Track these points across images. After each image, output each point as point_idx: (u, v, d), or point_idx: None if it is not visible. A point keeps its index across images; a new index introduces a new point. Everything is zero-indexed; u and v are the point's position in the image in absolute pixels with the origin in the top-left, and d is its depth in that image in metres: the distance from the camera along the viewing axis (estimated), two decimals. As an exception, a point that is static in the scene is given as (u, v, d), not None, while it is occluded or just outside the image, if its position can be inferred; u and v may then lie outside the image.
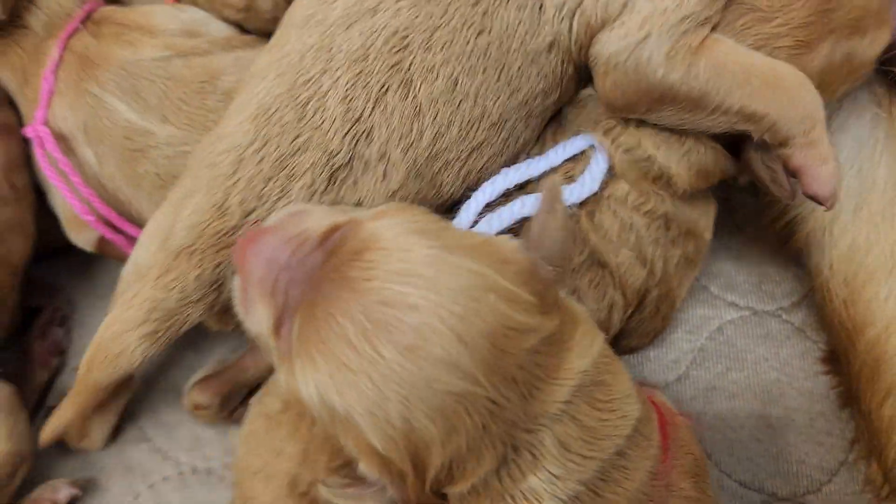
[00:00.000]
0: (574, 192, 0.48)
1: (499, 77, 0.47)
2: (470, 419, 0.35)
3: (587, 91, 0.51)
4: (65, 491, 0.60)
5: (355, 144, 0.45)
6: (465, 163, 0.48)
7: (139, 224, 0.55)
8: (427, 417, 0.34)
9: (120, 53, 0.55)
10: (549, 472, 0.37)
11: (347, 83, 0.45)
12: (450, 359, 0.34)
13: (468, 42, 0.46)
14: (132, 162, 0.54)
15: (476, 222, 0.48)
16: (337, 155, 0.45)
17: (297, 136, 0.45)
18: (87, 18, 0.56)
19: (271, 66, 0.47)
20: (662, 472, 0.41)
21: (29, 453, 0.57)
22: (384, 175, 0.46)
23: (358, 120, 0.45)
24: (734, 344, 0.62)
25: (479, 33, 0.46)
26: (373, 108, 0.45)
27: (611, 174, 0.49)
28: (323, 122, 0.45)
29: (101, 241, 0.58)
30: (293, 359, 0.36)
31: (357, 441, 0.36)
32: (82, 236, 0.58)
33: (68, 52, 0.55)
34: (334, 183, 0.45)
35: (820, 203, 0.48)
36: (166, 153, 0.54)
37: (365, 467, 0.37)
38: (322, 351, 0.34)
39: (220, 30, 0.58)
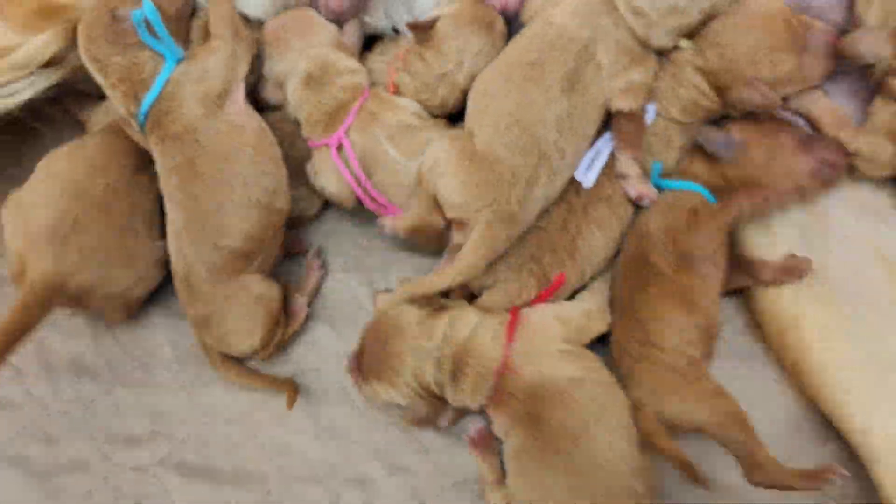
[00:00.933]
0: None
1: (594, 119, 0.90)
2: None
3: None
4: (301, 300, 0.99)
5: (560, 160, 0.87)
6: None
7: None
8: None
9: (385, 114, 0.95)
10: None
11: (556, 137, 0.87)
12: None
13: (587, 110, 0.89)
14: (380, 169, 0.94)
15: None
16: (554, 167, 0.87)
17: (537, 162, 0.85)
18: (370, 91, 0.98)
19: (511, 128, 0.86)
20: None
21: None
22: (564, 175, 0.89)
23: (562, 150, 0.87)
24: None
25: (590, 104, 0.89)
26: (565, 144, 0.87)
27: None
28: (548, 155, 0.86)
29: (356, 198, 0.96)
30: None
31: None
32: (344, 194, 0.97)
33: (362, 109, 0.96)
34: (550, 182, 0.87)
35: None
36: (404, 169, 0.93)
37: None
38: None
39: (424, 113, 0.99)
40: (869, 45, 0.89)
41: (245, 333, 0.93)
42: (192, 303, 0.93)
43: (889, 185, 0.98)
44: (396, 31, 1.05)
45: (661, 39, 0.91)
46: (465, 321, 0.87)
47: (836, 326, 0.93)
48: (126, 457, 0.95)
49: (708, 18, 0.91)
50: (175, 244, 0.92)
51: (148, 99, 0.91)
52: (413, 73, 0.98)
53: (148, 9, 0.90)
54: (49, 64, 0.98)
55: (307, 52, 0.97)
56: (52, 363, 1.00)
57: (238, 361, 0.97)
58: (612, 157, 0.93)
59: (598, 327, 0.90)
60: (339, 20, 1.01)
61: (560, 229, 0.92)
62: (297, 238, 1.06)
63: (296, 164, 0.99)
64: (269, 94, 1.01)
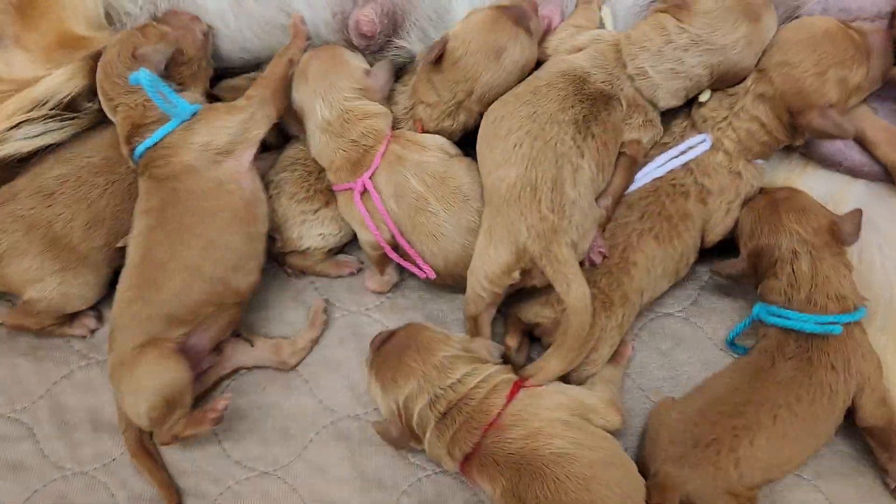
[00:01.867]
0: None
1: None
2: None
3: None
4: (220, 402, 0.85)
5: (579, 157, 0.84)
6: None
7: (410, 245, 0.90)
8: None
9: (410, 156, 0.90)
10: None
11: (573, 134, 0.84)
12: None
13: (610, 124, 0.87)
14: (415, 214, 0.89)
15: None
16: (574, 164, 0.83)
17: (556, 163, 0.82)
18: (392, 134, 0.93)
19: (521, 142, 0.83)
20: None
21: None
22: (588, 173, 0.84)
23: (580, 149, 0.84)
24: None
25: (616, 123, 0.88)
26: (584, 146, 0.84)
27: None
28: (566, 154, 0.83)
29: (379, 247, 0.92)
30: None
31: None
32: (368, 240, 0.93)
33: (387, 152, 0.91)
34: (578, 180, 0.83)
35: None
36: (435, 212, 0.88)
37: None
38: None
39: (451, 147, 0.94)
40: None
41: (132, 404, 0.83)
42: (109, 349, 0.86)
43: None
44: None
45: (666, 101, 0.90)
46: (481, 373, 0.81)
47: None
48: (152, 519, 0.87)
49: (723, 77, 0.90)
50: (122, 282, 0.86)
51: (141, 147, 0.87)
52: (431, 105, 0.94)
53: (144, 78, 0.85)
54: (70, 108, 0.93)
55: (326, 97, 0.92)
56: (67, 420, 0.92)
57: (148, 445, 0.89)
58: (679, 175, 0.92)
59: (608, 420, 0.82)
60: (369, 46, 0.97)
61: (609, 246, 0.89)
62: (343, 261, 1.01)
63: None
64: (288, 123, 0.97)
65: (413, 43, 0.98)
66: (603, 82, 0.88)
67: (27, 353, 0.96)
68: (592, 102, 0.86)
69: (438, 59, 0.91)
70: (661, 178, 0.92)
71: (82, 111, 0.94)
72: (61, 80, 0.90)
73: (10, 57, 0.87)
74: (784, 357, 0.85)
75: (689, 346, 0.96)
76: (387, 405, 0.82)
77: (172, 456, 0.90)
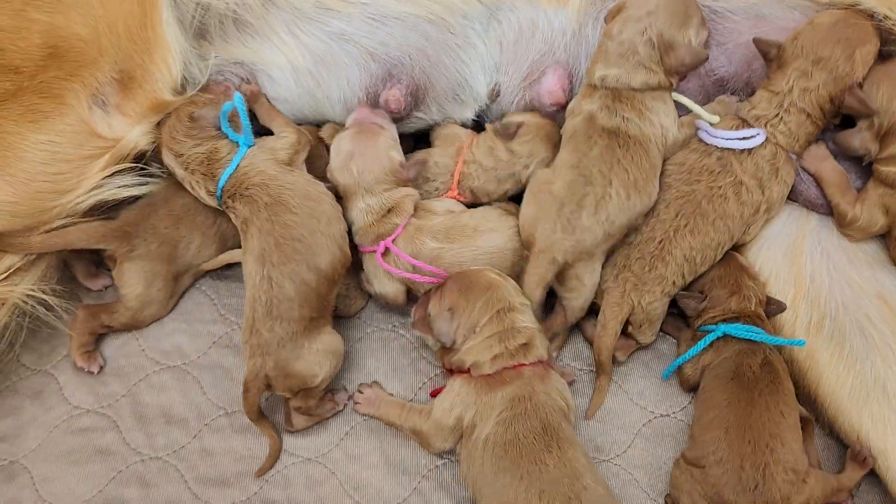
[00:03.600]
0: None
1: (646, 157, 1.07)
2: None
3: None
4: (341, 395, 1.09)
5: (607, 186, 1.04)
6: None
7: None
8: None
9: (425, 224, 1.10)
10: None
11: (600, 165, 1.05)
12: None
13: (632, 147, 1.06)
14: (431, 264, 1.07)
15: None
16: (598, 193, 1.04)
17: (583, 189, 1.04)
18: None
19: (566, 178, 1.06)
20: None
21: None
22: (615, 203, 1.04)
23: (608, 178, 1.05)
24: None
25: (636, 143, 1.07)
26: (611, 173, 1.04)
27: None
28: (594, 181, 1.03)
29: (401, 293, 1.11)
30: None
31: None
32: (391, 288, 1.10)
33: (407, 224, 1.09)
34: (598, 209, 1.03)
35: None
36: (450, 250, 1.08)
37: None
38: None
39: (457, 206, 1.15)
40: (859, 141, 1.09)
41: (315, 363, 1.01)
42: (271, 324, 0.99)
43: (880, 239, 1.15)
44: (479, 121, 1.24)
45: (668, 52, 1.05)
46: (529, 328, 1.01)
47: (842, 359, 1.05)
48: (216, 496, 1.03)
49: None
50: (257, 269, 1.01)
51: (225, 174, 1.08)
52: (485, 168, 1.15)
53: (238, 100, 1.09)
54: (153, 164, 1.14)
55: (369, 188, 1.10)
56: (144, 414, 1.10)
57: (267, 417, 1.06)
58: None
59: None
60: (394, 117, 1.18)
61: (647, 240, 1.07)
62: None
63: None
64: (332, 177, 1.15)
65: (431, 115, 1.20)
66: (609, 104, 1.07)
67: (111, 360, 1.15)
68: (608, 134, 1.05)
69: (514, 132, 1.14)
70: (698, 181, 1.09)
71: (159, 168, 1.15)
72: (137, 136, 1.10)
73: (112, 120, 1.08)
74: (752, 364, 1.01)
75: (667, 359, 1.13)
76: (444, 310, 1.01)
77: (235, 443, 1.08)
